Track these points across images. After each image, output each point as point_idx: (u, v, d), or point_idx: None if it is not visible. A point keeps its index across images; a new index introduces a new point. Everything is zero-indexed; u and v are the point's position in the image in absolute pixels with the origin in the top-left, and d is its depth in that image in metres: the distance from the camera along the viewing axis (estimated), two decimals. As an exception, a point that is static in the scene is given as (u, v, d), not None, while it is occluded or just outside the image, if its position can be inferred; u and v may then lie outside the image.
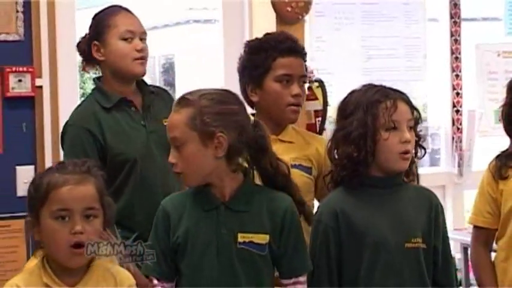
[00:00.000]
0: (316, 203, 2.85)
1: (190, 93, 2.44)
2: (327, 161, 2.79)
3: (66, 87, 3.50)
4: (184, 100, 2.41)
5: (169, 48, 8.03)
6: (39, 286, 2.20)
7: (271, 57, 2.84)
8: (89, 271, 2.25)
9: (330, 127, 3.54)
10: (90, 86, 12.03)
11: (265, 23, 3.84)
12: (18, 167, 3.38)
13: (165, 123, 2.79)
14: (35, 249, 2.33)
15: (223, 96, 2.44)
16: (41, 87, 3.41)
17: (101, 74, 3.03)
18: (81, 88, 4.79)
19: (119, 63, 2.99)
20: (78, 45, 3.07)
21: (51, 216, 2.19)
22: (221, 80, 3.92)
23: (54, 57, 3.45)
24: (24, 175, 3.37)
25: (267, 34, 3.01)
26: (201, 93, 2.42)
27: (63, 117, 3.44)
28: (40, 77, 3.40)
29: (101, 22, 3.03)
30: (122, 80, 3.03)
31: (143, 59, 3.03)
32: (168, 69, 11.44)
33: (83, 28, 3.48)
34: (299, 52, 2.90)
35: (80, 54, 3.08)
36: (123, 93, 3.02)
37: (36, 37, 3.40)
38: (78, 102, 3.57)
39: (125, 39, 2.99)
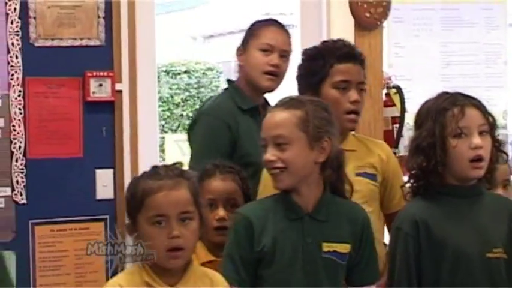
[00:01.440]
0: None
1: (293, 97, 2.51)
2: (390, 167, 2.81)
3: (145, 91, 3.52)
4: (293, 101, 2.45)
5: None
6: (141, 285, 2.24)
7: (328, 63, 2.83)
8: (187, 272, 2.29)
9: (407, 134, 3.51)
10: (166, 91, 12.11)
11: (343, 29, 3.81)
12: (97, 171, 3.42)
13: None
14: None
15: (324, 104, 2.48)
16: (120, 91, 3.44)
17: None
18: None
19: (251, 72, 3.14)
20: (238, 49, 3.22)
21: (148, 222, 2.24)
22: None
23: (133, 62, 3.47)
24: (103, 178, 3.43)
25: (325, 42, 3.01)
26: (308, 98, 2.48)
27: (142, 122, 3.49)
28: (120, 81, 3.44)
29: (250, 30, 3.19)
30: (253, 89, 3.16)
31: (275, 74, 3.14)
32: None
33: (162, 33, 3.53)
34: (357, 58, 2.89)
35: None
36: (255, 102, 3.13)
37: (116, 42, 3.43)
38: (157, 106, 3.63)
39: (263, 51, 3.07)
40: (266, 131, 2.44)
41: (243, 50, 3.17)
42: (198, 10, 13.40)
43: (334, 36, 3.62)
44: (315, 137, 2.39)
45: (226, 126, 3.05)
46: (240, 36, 3.24)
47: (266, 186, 2.67)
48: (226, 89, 3.24)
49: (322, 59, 2.84)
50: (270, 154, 2.41)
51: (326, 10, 3.89)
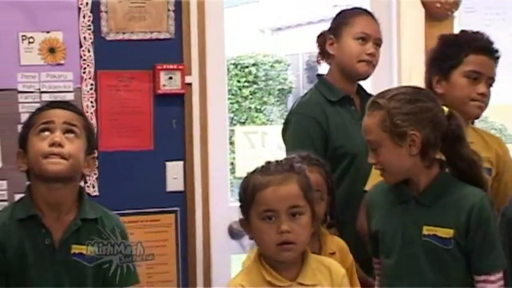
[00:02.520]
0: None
1: (381, 95, 2.51)
2: (506, 162, 2.81)
3: (215, 84, 3.53)
4: (375, 104, 2.48)
5: (313, 45, 8.02)
6: (263, 284, 2.26)
7: (464, 51, 2.85)
8: (305, 264, 2.31)
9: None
10: (234, 83, 12.16)
11: (413, 20, 3.77)
12: (167, 163, 3.44)
13: None
14: (250, 248, 2.39)
15: (413, 94, 2.48)
16: (190, 84, 3.46)
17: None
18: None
19: (347, 61, 3.14)
20: (319, 37, 3.23)
21: (259, 217, 2.26)
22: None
23: (203, 55, 3.49)
24: (174, 171, 3.45)
25: (463, 31, 3.02)
26: (391, 94, 2.48)
27: (212, 114, 3.51)
28: (190, 74, 3.46)
29: (341, 19, 3.20)
30: (347, 78, 3.18)
31: (371, 63, 3.15)
32: (312, 66, 11.45)
33: (231, 26, 3.54)
34: (493, 53, 2.91)
35: (318, 46, 3.24)
36: (346, 91, 3.14)
37: (186, 35, 3.45)
38: (226, 99, 3.65)
39: (358, 40, 3.08)
40: (363, 136, 2.52)
41: (334, 39, 3.17)
42: (266, 2, 13.40)
43: (405, 28, 3.60)
44: (398, 135, 2.41)
45: (316, 121, 3.07)
46: (309, 29, 3.24)
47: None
48: (315, 84, 3.25)
49: (458, 47, 2.87)
50: (370, 157, 2.50)
51: (396, 1, 3.84)
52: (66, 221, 2.47)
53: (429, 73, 2.93)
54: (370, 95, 3.25)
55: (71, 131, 2.45)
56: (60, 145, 2.41)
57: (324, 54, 3.24)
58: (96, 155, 2.63)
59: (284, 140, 3.21)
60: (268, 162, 2.36)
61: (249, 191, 2.28)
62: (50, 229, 2.44)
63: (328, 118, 3.09)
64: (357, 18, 3.17)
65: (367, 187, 2.86)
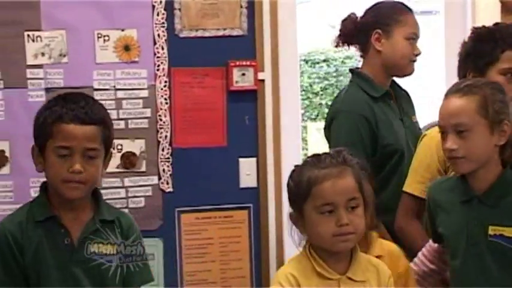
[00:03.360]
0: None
1: (468, 81, 2.49)
2: None
3: (287, 80, 3.53)
4: (468, 87, 2.44)
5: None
6: (312, 275, 2.27)
7: (499, 48, 2.76)
8: (354, 261, 2.31)
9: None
10: (305, 79, 12.11)
11: (489, 13, 3.71)
12: (241, 159, 3.45)
13: (413, 120, 2.90)
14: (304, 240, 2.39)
15: (499, 86, 2.47)
16: (263, 80, 3.46)
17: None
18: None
19: (398, 60, 3.13)
20: (344, 22, 3.21)
21: (316, 211, 2.25)
22: (442, 71, 3.83)
23: (276, 52, 3.48)
24: (247, 167, 3.46)
25: (497, 24, 2.92)
26: (481, 82, 2.47)
27: (284, 111, 3.50)
28: (262, 70, 3.46)
29: (390, 14, 3.14)
30: (388, 74, 3.17)
31: (415, 61, 3.15)
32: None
33: (302, 22, 3.53)
34: None
35: (341, 30, 3.21)
36: (384, 86, 3.10)
37: (259, 32, 3.45)
38: (299, 95, 3.64)
39: (409, 40, 3.07)
40: (445, 119, 2.44)
41: (383, 35, 3.13)
42: (336, -2, 13.33)
43: (480, 21, 3.53)
44: (495, 121, 2.39)
45: (365, 119, 3.04)
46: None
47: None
48: (351, 80, 3.21)
49: (494, 43, 2.79)
50: (451, 143, 2.42)
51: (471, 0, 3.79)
52: (83, 220, 2.48)
53: (463, 69, 2.85)
54: (404, 90, 3.24)
55: (91, 156, 2.44)
56: (79, 172, 2.41)
57: (350, 42, 3.22)
58: (112, 151, 2.62)
59: (327, 136, 3.18)
60: (318, 155, 2.35)
61: (304, 185, 2.26)
62: (69, 229, 2.45)
63: (376, 115, 3.07)
64: (409, 18, 3.14)
65: (408, 188, 2.83)
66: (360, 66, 3.30)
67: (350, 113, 3.08)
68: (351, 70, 3.31)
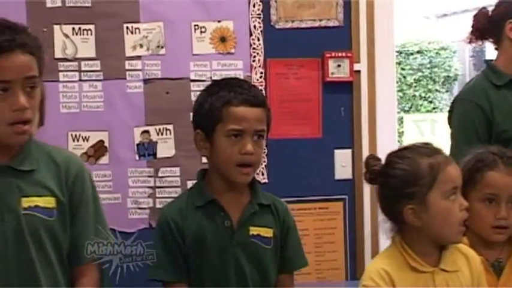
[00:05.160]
0: None
1: None
2: None
3: (383, 71, 3.50)
4: None
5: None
6: (406, 269, 2.26)
7: None
8: (445, 251, 2.30)
9: None
10: (399, 71, 11.99)
11: None
12: (336, 151, 3.44)
13: None
14: (393, 235, 2.37)
15: None
16: (358, 72, 3.44)
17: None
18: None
19: None
20: (476, 17, 3.19)
21: (444, 197, 2.25)
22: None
23: (371, 43, 3.46)
24: (342, 158, 3.44)
25: None
26: None
27: (380, 102, 3.48)
28: (358, 62, 3.44)
29: None
30: None
31: None
32: (479, 53, 11.16)
33: (395, 13, 3.49)
34: None
35: (474, 26, 3.20)
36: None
37: (355, 23, 3.43)
38: (395, 87, 3.61)
39: None
40: None
41: None
42: (431, -12, 13.16)
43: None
44: None
45: (478, 107, 3.04)
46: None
47: None
48: (483, 70, 3.21)
49: None
50: None
51: None
52: (241, 202, 2.51)
53: None
54: None
55: (260, 136, 2.47)
56: (252, 153, 2.43)
57: (483, 36, 3.19)
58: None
59: (450, 126, 3.20)
60: (407, 147, 2.37)
61: (426, 173, 2.25)
62: (228, 211, 2.48)
63: (493, 103, 3.06)
64: None
65: None
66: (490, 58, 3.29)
67: (463, 100, 3.12)
68: (485, 61, 3.29)
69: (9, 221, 2.21)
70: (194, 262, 2.45)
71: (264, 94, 3.36)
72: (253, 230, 2.48)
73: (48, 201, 2.26)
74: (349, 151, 3.45)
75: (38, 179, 2.28)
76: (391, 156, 2.36)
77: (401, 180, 2.28)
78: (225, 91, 2.47)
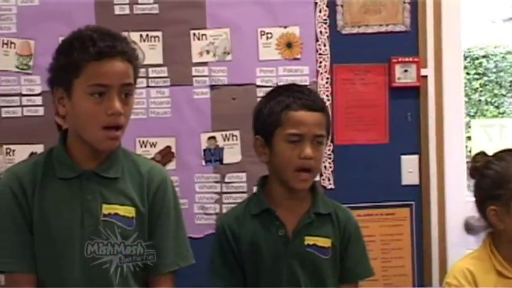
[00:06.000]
0: None
1: None
2: None
3: (451, 76, 3.47)
4: None
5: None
6: (492, 273, 2.24)
7: None
8: None
9: None
10: (465, 76, 11.86)
11: None
12: (403, 156, 3.42)
13: None
14: (485, 237, 2.35)
15: None
16: (425, 77, 3.42)
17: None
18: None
19: None
20: None
21: None
22: None
23: (439, 48, 3.43)
24: (409, 164, 3.42)
25: None
26: None
27: (447, 107, 3.45)
28: (425, 67, 3.41)
29: None
30: None
31: None
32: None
33: (466, 18, 3.46)
34: None
35: None
36: None
37: (422, 27, 3.41)
38: (463, 92, 3.58)
39: None
40: None
41: None
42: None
43: None
44: None
45: None
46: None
47: None
48: None
49: None
50: None
51: None
52: (299, 211, 2.50)
53: None
54: None
55: (320, 142, 2.47)
56: (311, 158, 2.42)
57: None
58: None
59: None
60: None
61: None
62: (284, 221, 2.47)
63: None
64: None
65: None
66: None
67: None
68: None
69: (89, 226, 2.24)
70: (250, 269, 2.46)
71: (330, 100, 3.36)
72: (309, 240, 2.46)
73: (128, 211, 2.29)
74: (416, 157, 3.42)
75: (121, 188, 2.31)
76: (492, 156, 2.36)
77: (491, 181, 2.28)
78: (284, 96, 2.49)
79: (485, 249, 2.27)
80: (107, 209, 2.25)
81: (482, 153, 2.42)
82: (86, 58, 2.17)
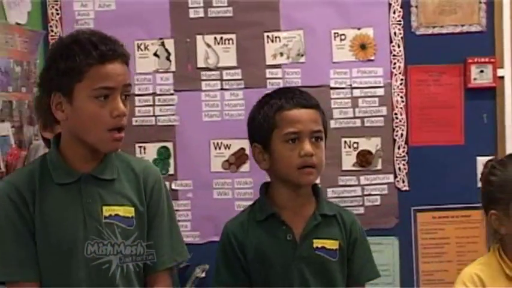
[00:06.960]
0: None
1: None
2: None
3: (528, 77, 3.42)
4: None
5: None
6: (501, 277, 2.22)
7: None
8: None
9: None
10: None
11: None
12: (478, 158, 3.37)
13: None
14: (493, 243, 2.33)
15: None
16: (502, 77, 3.37)
17: None
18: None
19: None
20: None
21: None
22: None
23: (516, 48, 3.39)
24: (485, 166, 3.38)
25: None
26: None
27: (525, 108, 3.40)
28: (502, 67, 3.37)
29: None
30: None
31: None
32: None
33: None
34: None
35: None
36: None
37: (498, 27, 3.36)
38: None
39: None
40: None
41: None
42: None
43: None
44: None
45: None
46: None
47: None
48: None
49: None
50: None
51: None
52: (305, 214, 2.44)
53: None
54: None
55: (318, 138, 2.41)
56: (311, 154, 2.39)
57: None
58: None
59: None
60: None
61: None
62: (290, 225, 2.43)
63: None
64: None
65: None
66: None
67: None
68: None
69: (91, 229, 2.26)
70: (258, 276, 2.41)
71: (404, 101, 3.34)
72: (318, 243, 2.40)
73: (128, 211, 2.30)
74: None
75: (119, 189, 2.31)
76: (497, 162, 2.33)
77: (493, 187, 2.25)
78: (276, 99, 2.44)
79: (494, 255, 2.24)
80: (107, 210, 2.26)
81: (492, 160, 2.39)
82: (89, 62, 2.18)
